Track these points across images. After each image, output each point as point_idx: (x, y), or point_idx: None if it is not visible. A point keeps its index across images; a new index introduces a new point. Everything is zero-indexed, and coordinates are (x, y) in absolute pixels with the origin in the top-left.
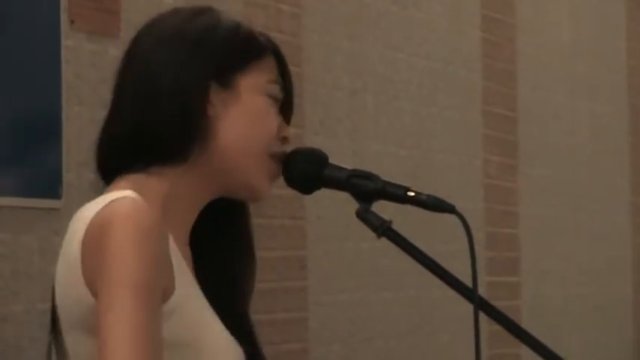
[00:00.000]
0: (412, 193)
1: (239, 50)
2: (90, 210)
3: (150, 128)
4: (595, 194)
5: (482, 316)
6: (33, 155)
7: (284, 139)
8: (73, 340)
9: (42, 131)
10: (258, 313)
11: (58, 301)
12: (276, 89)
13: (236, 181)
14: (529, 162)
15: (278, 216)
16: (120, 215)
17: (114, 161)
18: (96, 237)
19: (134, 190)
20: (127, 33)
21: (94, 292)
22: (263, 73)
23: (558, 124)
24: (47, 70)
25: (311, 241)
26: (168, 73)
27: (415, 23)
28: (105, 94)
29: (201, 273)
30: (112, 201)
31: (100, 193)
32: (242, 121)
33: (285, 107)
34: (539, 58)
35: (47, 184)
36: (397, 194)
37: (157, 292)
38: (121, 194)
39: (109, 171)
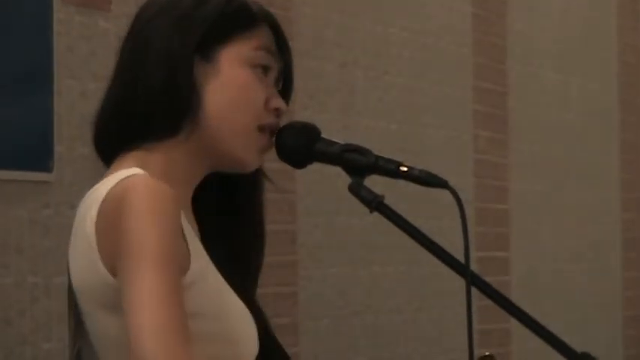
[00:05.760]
0: (405, 168)
1: (226, 22)
2: (100, 190)
3: (139, 100)
4: (585, 170)
5: (472, 291)
6: (24, 128)
7: (275, 111)
8: (98, 321)
9: (33, 104)
10: None
11: (77, 282)
12: (263, 57)
13: (223, 153)
14: (519, 137)
15: (268, 189)
16: (134, 192)
17: (109, 139)
18: (111, 215)
19: (138, 167)
20: (118, 6)
21: (113, 271)
22: (250, 42)
23: (548, 100)
24: (38, 42)
25: (301, 215)
26: (156, 44)
27: None
28: (95, 67)
29: (211, 249)
30: (123, 179)
31: (93, 166)
32: (223, 94)
33: (284, 79)
34: (530, 34)
35: (38, 156)
36: (390, 169)
37: (176, 264)
38: (130, 172)
39: (107, 149)
